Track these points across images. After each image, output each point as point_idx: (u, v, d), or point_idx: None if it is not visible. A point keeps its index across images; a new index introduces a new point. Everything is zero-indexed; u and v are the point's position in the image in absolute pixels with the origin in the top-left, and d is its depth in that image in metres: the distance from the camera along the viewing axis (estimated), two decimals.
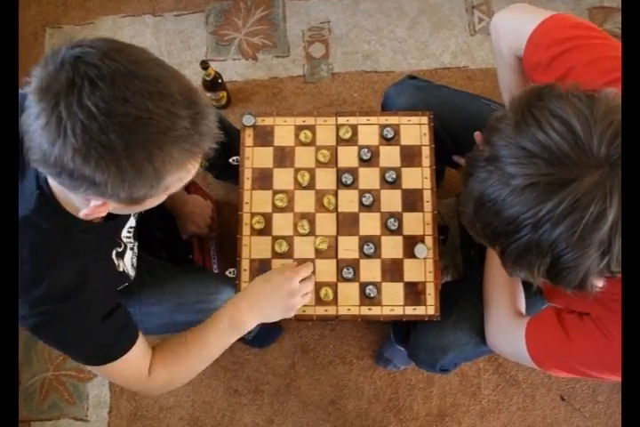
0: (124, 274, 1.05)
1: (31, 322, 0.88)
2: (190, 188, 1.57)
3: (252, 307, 1.10)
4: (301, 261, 1.19)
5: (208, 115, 0.73)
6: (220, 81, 1.84)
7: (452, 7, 2.03)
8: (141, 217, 1.15)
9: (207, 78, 1.80)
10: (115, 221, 0.97)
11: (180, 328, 1.18)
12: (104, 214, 0.81)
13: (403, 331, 1.53)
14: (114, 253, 1.00)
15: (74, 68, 0.65)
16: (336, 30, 2.03)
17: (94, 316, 0.93)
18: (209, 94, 1.89)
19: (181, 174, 0.75)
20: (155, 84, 0.68)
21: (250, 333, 1.63)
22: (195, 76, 1.85)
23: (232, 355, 1.77)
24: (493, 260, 1.19)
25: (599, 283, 0.73)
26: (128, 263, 1.06)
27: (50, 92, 0.65)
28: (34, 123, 0.67)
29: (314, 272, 1.19)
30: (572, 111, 0.66)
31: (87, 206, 0.77)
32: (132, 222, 1.08)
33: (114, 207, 0.79)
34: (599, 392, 1.71)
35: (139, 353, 1.02)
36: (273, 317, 1.14)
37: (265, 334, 1.73)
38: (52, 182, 0.83)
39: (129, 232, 1.07)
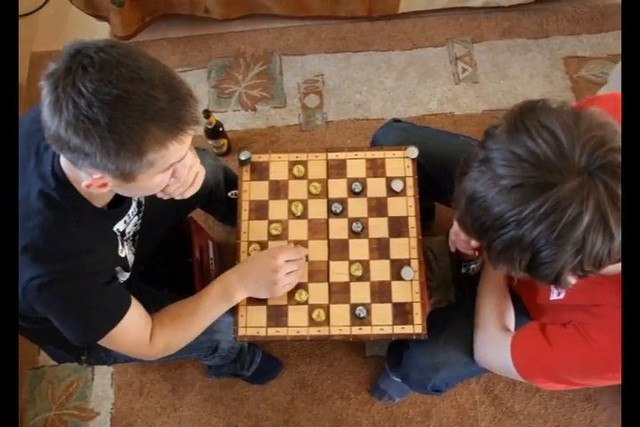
0: (124, 257, 1.15)
1: (40, 282, 0.95)
2: (191, 226, 1.65)
3: (241, 279, 1.22)
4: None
5: (187, 100, 0.84)
6: (220, 129, 1.96)
7: (437, 59, 2.19)
8: (143, 236, 1.25)
9: (209, 126, 1.92)
10: (117, 210, 1.09)
11: (181, 353, 1.24)
12: (105, 190, 0.91)
13: (396, 358, 1.57)
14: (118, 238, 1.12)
15: (72, 58, 0.80)
16: (329, 82, 2.18)
17: (95, 281, 1.02)
18: (210, 142, 2.00)
19: (163, 152, 0.85)
20: (137, 72, 0.81)
21: (249, 368, 1.68)
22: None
23: (232, 391, 1.80)
24: (486, 282, 1.26)
25: (572, 280, 0.80)
26: (127, 250, 1.17)
27: (52, 77, 0.80)
28: (43, 103, 0.81)
29: (307, 259, 1.27)
30: (559, 124, 0.74)
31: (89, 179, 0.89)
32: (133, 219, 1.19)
33: (113, 184, 0.90)
34: (597, 423, 1.72)
35: (136, 319, 1.12)
36: (259, 291, 1.22)
37: (264, 371, 1.77)
38: (65, 164, 0.95)
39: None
